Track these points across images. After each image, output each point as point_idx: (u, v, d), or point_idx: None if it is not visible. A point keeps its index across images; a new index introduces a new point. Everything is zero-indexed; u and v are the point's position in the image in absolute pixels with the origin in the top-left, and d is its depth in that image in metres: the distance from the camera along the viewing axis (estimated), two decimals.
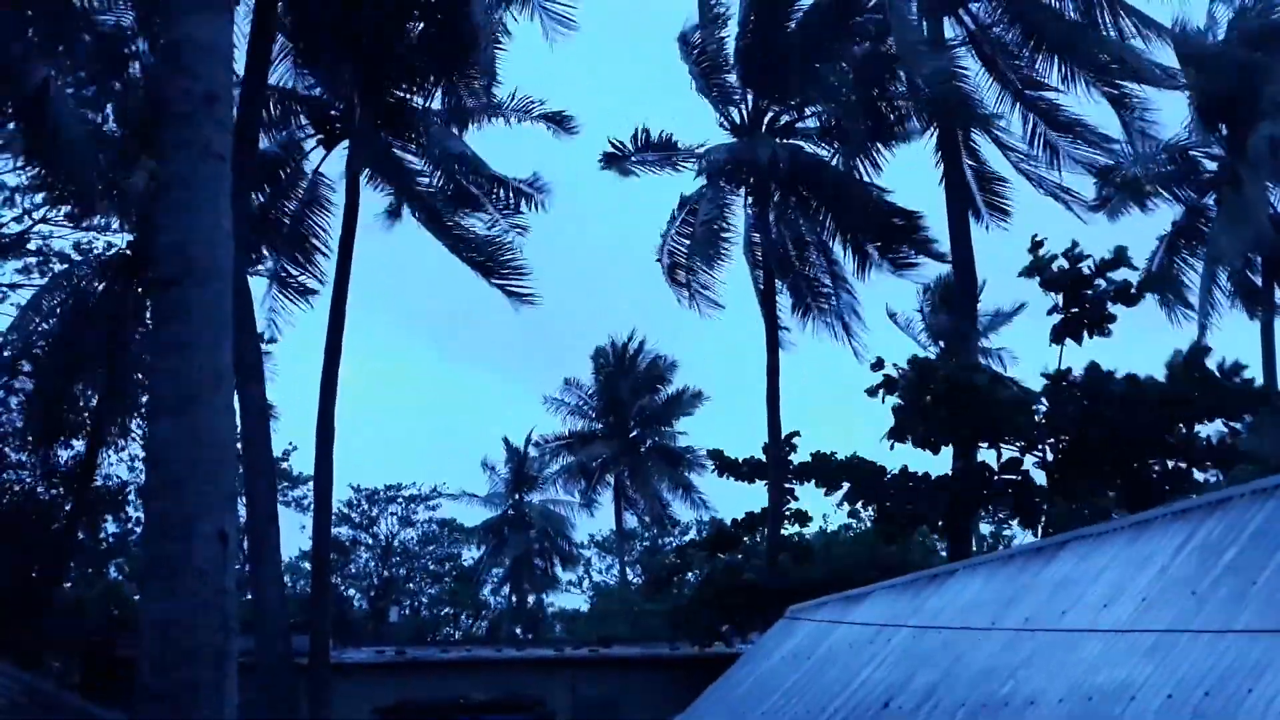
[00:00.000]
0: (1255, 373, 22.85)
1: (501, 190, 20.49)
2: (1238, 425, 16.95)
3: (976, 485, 18.27)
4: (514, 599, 42.85)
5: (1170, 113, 26.51)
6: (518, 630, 40.83)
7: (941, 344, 29.66)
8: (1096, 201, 23.95)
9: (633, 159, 23.17)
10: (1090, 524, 12.58)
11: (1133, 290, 17.74)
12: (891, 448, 18.28)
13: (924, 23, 21.58)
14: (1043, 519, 17.41)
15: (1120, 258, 17.72)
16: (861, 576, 15.34)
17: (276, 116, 20.14)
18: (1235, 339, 27.11)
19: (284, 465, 32.84)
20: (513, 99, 20.47)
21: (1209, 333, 25.92)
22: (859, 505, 20.70)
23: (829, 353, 27.57)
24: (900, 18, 20.28)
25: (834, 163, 23.42)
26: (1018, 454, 18.10)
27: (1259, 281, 26.70)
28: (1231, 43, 25.89)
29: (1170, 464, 17.44)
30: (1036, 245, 18.33)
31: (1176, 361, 17.08)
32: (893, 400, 18.47)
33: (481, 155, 20.29)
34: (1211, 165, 27.04)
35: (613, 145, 23.06)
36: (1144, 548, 9.46)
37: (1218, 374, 17.14)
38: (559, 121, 20.56)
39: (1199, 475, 17.33)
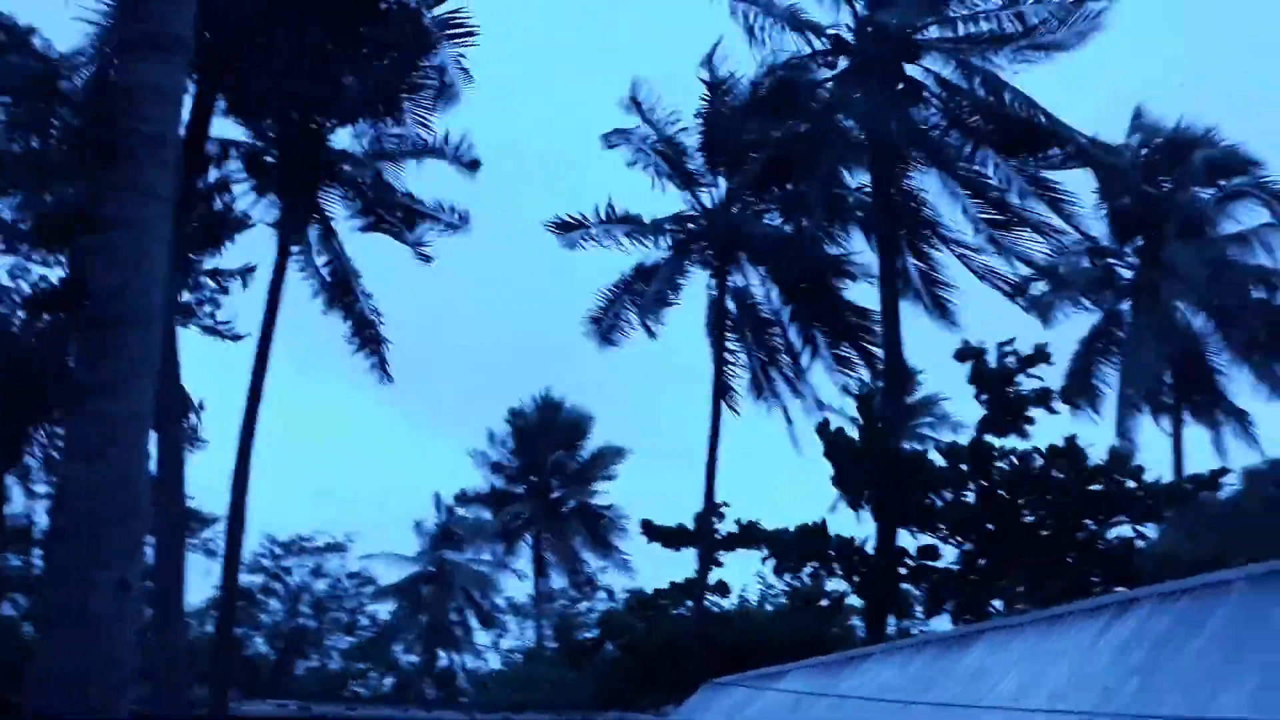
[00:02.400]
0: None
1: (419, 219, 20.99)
2: (1145, 527, 17.45)
3: (896, 565, 18.52)
4: (428, 659, 41.93)
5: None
6: (430, 691, 39.88)
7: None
8: (1027, 302, 24.87)
9: (590, 231, 23.48)
10: (999, 616, 12.78)
11: (1051, 398, 18.30)
12: (833, 508, 18.72)
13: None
14: (950, 608, 17.68)
15: (1040, 354, 18.34)
16: (781, 652, 15.38)
17: (212, 161, 20.20)
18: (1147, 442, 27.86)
19: (193, 506, 31.94)
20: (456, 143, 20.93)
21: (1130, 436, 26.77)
22: (789, 574, 20.85)
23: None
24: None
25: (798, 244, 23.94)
26: (937, 540, 18.42)
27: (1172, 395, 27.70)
28: (1141, 165, 27.16)
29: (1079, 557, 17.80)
30: (969, 353, 18.80)
31: (1100, 464, 17.59)
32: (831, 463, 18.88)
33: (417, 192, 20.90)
34: (1128, 273, 28.10)
35: (569, 218, 23.40)
36: (1056, 642, 9.62)
37: (1132, 477, 17.69)
38: (469, 164, 20.93)
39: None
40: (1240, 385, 26.57)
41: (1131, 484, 17.63)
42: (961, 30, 22.09)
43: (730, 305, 23.90)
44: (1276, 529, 26.80)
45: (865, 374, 24.09)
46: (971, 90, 22.09)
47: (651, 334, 23.47)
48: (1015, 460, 17.72)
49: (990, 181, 22.25)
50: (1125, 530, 17.68)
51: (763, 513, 21.60)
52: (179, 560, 16.16)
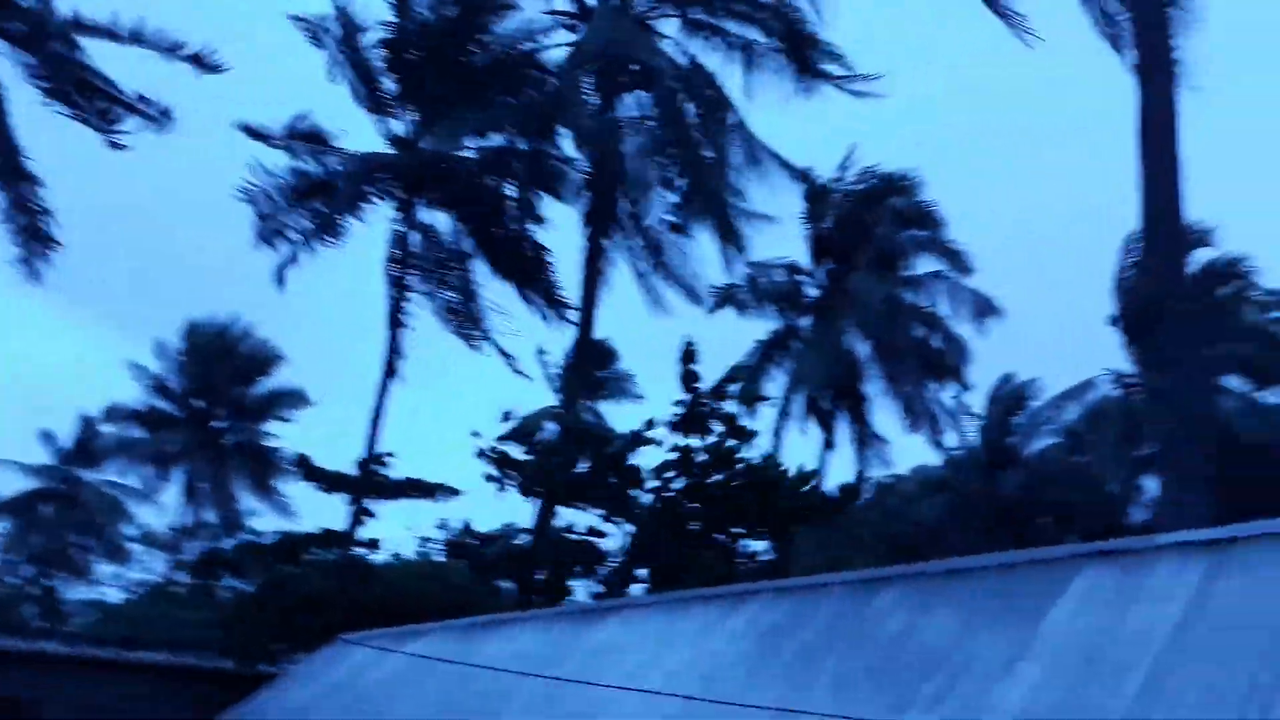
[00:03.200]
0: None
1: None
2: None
3: (555, 544, 18.76)
4: (38, 585, 38.05)
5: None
6: (35, 621, 36.20)
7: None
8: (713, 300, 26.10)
9: (275, 140, 21.99)
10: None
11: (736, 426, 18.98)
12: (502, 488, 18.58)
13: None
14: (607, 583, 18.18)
15: (732, 379, 19.14)
16: (427, 610, 15.14)
17: None
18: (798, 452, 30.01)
19: None
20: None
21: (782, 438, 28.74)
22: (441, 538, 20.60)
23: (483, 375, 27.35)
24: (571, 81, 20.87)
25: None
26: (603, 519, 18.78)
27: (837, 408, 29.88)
28: (847, 197, 29.19)
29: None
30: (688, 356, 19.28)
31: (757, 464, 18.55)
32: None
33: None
34: (814, 291, 30.08)
35: (255, 128, 21.81)
36: (681, 625, 10.05)
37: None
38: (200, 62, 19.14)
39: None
40: (886, 412, 29.25)
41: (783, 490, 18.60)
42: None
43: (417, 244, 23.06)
44: (893, 537, 29.88)
45: (559, 336, 24.23)
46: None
47: (325, 245, 22.39)
48: (679, 454, 18.27)
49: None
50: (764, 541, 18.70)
51: (443, 464, 21.25)
52: None
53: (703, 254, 23.06)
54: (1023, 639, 7.49)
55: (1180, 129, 14.81)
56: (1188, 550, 7.62)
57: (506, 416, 19.16)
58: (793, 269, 29.65)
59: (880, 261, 28.58)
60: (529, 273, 23.04)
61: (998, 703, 6.99)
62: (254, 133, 22.00)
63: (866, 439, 29.29)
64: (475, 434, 19.07)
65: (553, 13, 22.69)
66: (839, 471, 30.08)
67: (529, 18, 22.54)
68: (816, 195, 29.10)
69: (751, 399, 20.39)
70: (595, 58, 21.03)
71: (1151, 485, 25.91)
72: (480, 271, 23.65)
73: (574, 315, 22.71)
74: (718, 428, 18.40)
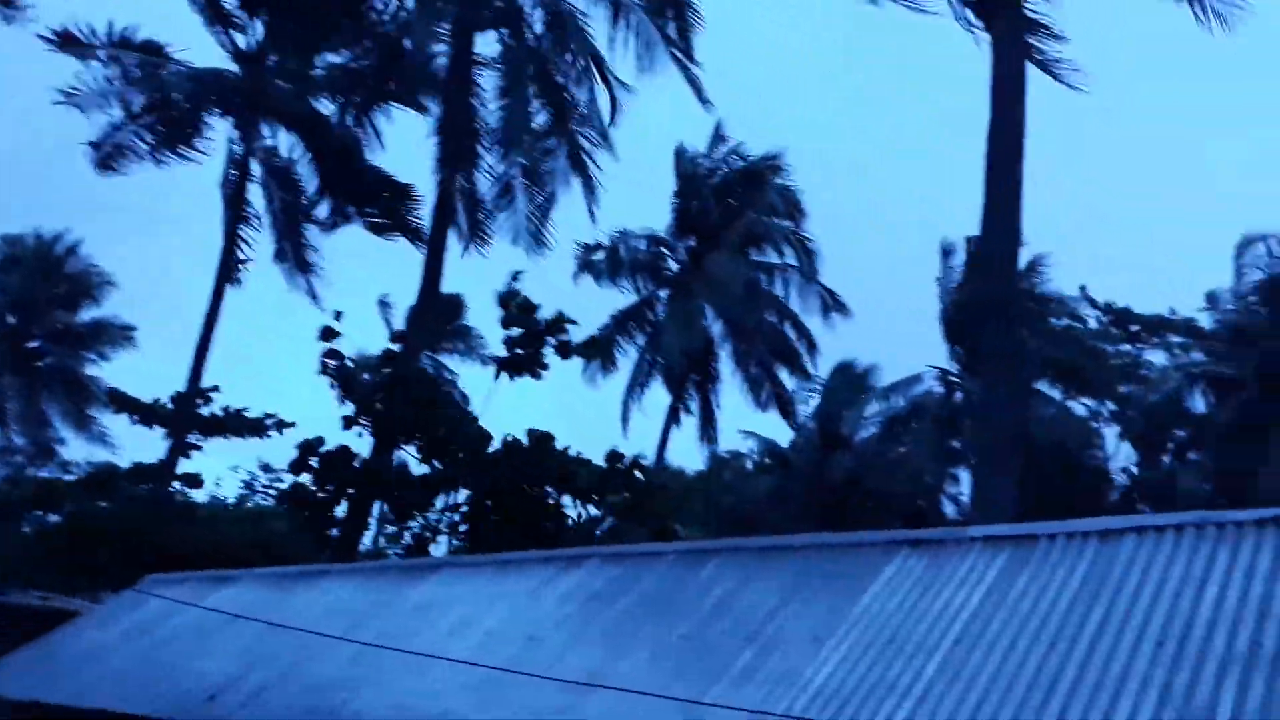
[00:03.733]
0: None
1: None
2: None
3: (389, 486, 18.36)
4: None
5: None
6: None
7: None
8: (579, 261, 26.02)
9: (99, 50, 20.46)
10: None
11: (570, 347, 19.06)
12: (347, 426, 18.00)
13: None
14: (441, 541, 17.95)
15: (561, 320, 19.02)
16: (246, 554, 14.62)
17: None
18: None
19: None
20: None
21: (632, 408, 28.95)
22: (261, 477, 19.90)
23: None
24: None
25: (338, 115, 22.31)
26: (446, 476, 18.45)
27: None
28: (720, 174, 29.38)
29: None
30: (508, 298, 18.99)
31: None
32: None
33: None
34: (675, 265, 30.25)
35: (72, 33, 20.22)
36: (505, 585, 9.99)
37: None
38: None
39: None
40: (732, 390, 29.83)
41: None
42: None
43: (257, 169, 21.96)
44: (726, 510, 30.60)
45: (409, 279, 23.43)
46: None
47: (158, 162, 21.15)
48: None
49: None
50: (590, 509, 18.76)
51: (278, 400, 20.45)
52: None
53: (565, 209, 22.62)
54: (835, 618, 7.76)
55: (1025, 143, 15.42)
56: (993, 544, 8.03)
57: (333, 353, 18.39)
58: (655, 240, 29.74)
59: (741, 244, 28.94)
60: (380, 203, 22.10)
61: (807, 678, 7.22)
62: (70, 40, 20.36)
63: (712, 415, 29.82)
64: (329, 334, 18.18)
65: None
66: (686, 443, 30.68)
67: None
68: (687, 168, 29.28)
69: (593, 350, 20.26)
70: None
71: (965, 477, 27.27)
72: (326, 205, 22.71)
73: (423, 254, 21.86)
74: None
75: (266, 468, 22.35)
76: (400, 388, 17.86)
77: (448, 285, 21.85)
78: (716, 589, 8.73)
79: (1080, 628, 6.86)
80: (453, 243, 21.12)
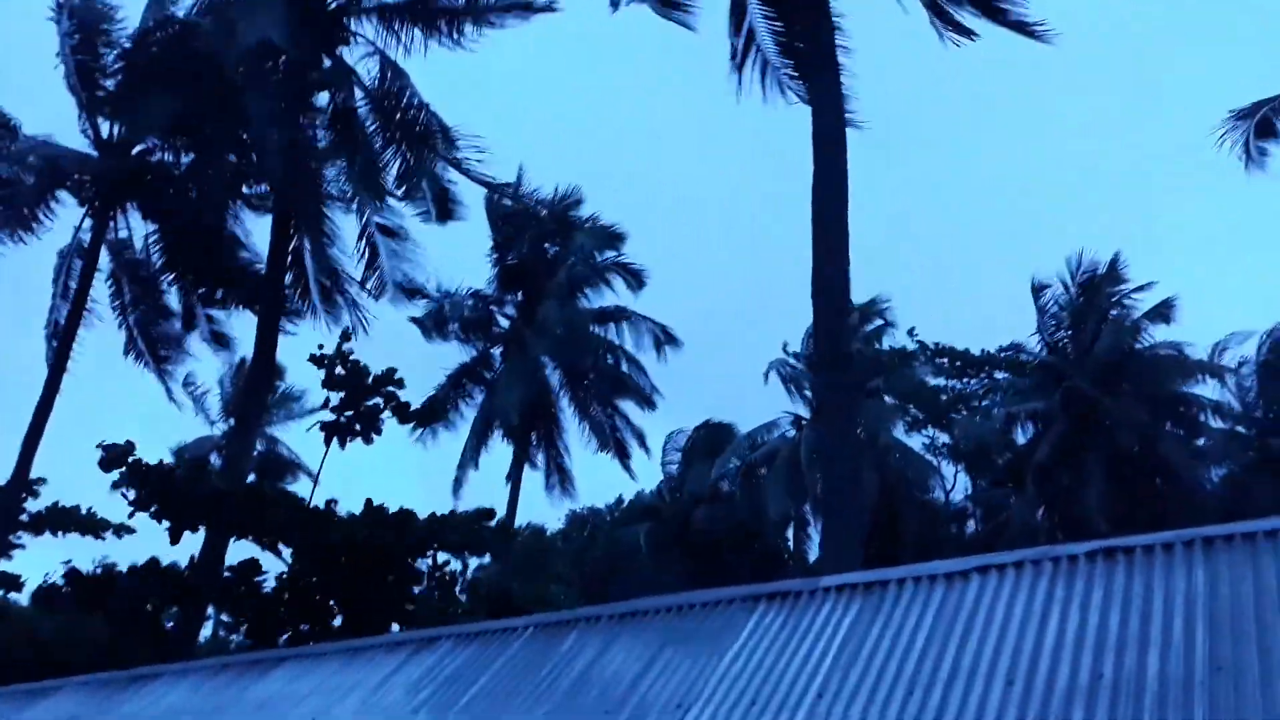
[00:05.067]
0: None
1: None
2: (477, 560, 18.38)
3: (214, 581, 17.39)
4: None
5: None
6: None
7: (232, 421, 28.50)
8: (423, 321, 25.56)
9: None
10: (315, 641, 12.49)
11: (409, 411, 18.66)
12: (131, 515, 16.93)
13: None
14: (284, 634, 17.05)
15: (390, 376, 18.65)
16: (70, 656, 13.52)
17: None
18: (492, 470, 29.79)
19: None
20: None
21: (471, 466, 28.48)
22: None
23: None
24: (259, 91, 19.53)
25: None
26: (266, 557, 17.66)
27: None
28: (539, 216, 29.34)
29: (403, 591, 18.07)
30: (322, 359, 18.47)
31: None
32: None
33: None
34: (505, 321, 30.10)
35: None
36: (355, 674, 9.51)
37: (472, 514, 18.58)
38: None
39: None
40: (575, 436, 29.67)
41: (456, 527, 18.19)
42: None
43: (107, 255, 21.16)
44: (589, 565, 30.32)
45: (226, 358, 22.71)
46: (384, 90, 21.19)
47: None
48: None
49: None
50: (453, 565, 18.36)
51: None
52: None
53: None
54: (699, 682, 7.68)
55: (849, 202, 15.90)
56: (845, 593, 8.13)
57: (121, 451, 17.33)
58: (482, 297, 29.56)
59: (569, 289, 28.97)
60: (230, 282, 21.53)
61: None
62: None
63: (560, 466, 29.59)
64: (116, 459, 17.12)
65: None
66: (534, 498, 30.30)
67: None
68: (503, 219, 29.09)
69: (430, 415, 20.01)
70: (275, 53, 19.65)
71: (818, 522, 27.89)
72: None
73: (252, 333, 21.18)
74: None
75: (102, 565, 20.75)
76: (228, 497, 17.01)
77: (299, 354, 21.49)
78: (578, 661, 8.54)
79: (935, 671, 6.99)
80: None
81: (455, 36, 20.24)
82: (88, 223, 21.71)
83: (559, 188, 29.05)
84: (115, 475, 17.19)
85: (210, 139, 20.90)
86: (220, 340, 22.55)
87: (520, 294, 29.42)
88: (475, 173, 20.90)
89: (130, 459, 17.07)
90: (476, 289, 28.45)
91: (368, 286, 21.99)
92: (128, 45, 21.00)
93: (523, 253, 28.97)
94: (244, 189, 21.99)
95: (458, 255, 32.91)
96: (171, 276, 22.23)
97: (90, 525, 25.24)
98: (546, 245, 29.13)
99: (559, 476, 29.59)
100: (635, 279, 29.40)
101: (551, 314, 27.83)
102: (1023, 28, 15.78)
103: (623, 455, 29.05)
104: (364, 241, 21.80)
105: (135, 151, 21.85)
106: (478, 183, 21.44)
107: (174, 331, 22.59)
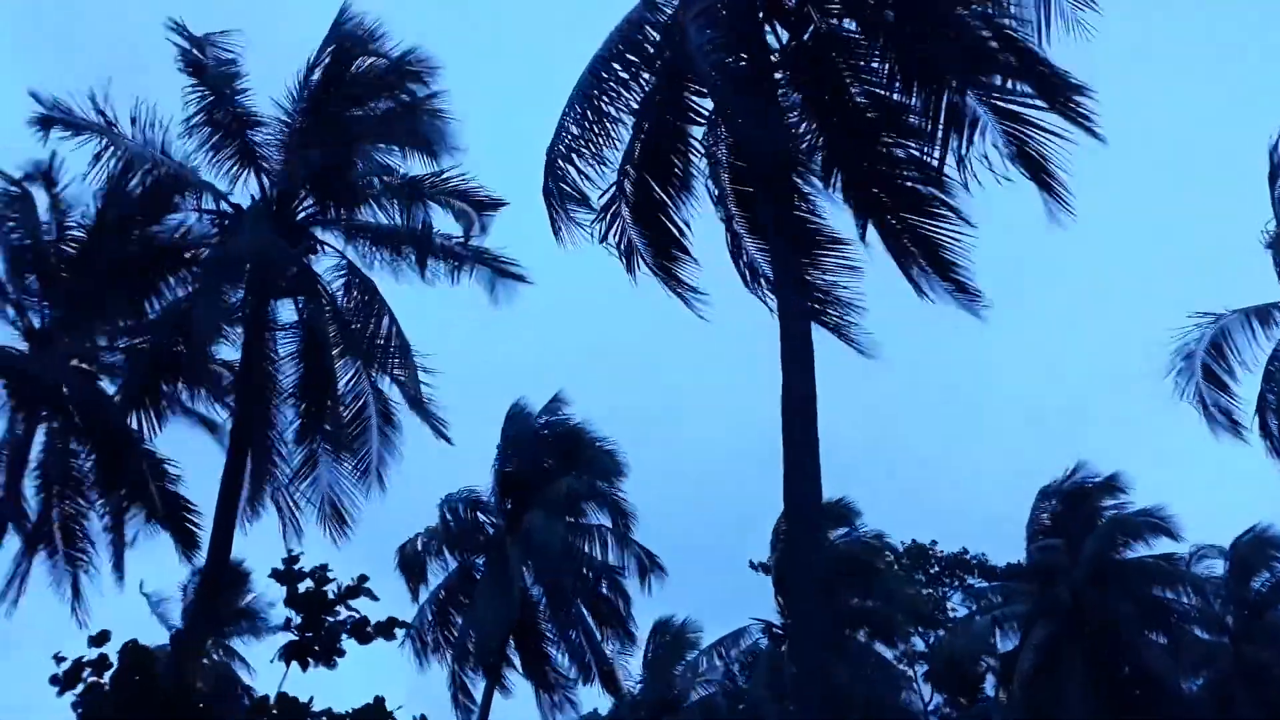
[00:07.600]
0: None
1: None
2: None
3: None
4: None
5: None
6: None
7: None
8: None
9: None
10: None
11: (368, 630, 17.61)
12: None
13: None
14: None
15: (360, 587, 17.72)
16: None
17: None
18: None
19: None
20: None
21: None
22: None
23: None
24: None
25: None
26: None
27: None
28: (541, 436, 29.38)
29: None
30: (286, 575, 17.75)
31: None
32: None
33: None
34: (491, 530, 29.42)
35: None
36: None
37: None
38: None
39: None
40: (561, 657, 28.58)
41: None
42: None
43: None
44: None
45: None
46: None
47: None
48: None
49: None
50: None
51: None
52: None
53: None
54: None
55: (817, 411, 16.03)
56: None
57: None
58: (476, 504, 29.10)
59: (558, 502, 28.43)
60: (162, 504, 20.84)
61: None
62: None
63: (549, 685, 28.46)
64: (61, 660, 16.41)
65: (208, 211, 19.71)
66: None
67: (185, 218, 19.86)
68: (518, 427, 28.97)
69: (389, 629, 18.76)
70: (236, 263, 19.31)
71: None
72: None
73: (206, 542, 20.25)
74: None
75: None
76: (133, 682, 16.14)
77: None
78: None
79: None
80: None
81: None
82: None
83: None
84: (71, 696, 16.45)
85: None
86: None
87: (510, 502, 28.87)
88: None
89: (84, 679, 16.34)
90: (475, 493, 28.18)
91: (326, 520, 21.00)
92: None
93: (524, 460, 28.73)
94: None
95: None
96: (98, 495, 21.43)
97: None
98: (550, 459, 28.88)
99: (549, 692, 28.37)
100: (624, 517, 29.05)
101: (536, 525, 26.82)
102: (963, 289, 16.44)
103: (607, 682, 28.01)
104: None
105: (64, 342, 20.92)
106: None
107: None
